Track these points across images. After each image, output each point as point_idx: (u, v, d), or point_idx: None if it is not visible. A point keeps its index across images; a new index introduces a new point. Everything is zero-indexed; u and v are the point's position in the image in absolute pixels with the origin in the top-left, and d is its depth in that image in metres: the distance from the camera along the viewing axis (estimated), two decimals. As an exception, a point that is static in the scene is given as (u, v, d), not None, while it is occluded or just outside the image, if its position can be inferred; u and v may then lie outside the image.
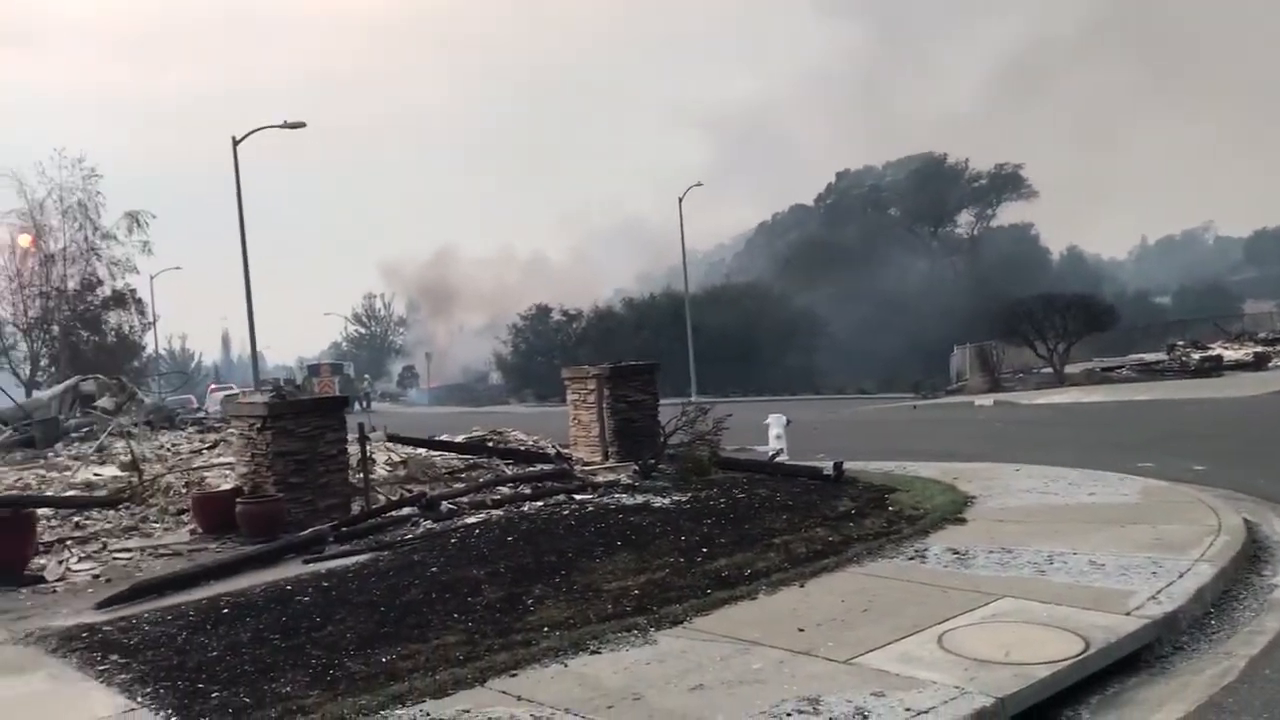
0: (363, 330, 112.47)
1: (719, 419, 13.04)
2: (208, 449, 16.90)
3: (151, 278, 52.05)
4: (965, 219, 76.12)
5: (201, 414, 30.57)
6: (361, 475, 11.29)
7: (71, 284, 44.63)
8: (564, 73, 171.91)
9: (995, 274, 55.86)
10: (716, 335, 52.15)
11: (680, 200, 50.50)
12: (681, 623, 6.98)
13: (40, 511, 10.46)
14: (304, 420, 10.76)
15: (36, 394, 26.46)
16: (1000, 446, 16.69)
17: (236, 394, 47.71)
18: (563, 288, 70.27)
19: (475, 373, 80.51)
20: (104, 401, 24.01)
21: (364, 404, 55.82)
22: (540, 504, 10.77)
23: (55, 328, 44.82)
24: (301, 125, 34.38)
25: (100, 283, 46.35)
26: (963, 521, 9.67)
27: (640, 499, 10.83)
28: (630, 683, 5.87)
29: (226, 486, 11.53)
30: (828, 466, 12.01)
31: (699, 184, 51.45)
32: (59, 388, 25.23)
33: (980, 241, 72.42)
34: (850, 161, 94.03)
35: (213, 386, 64.62)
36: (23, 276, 44.30)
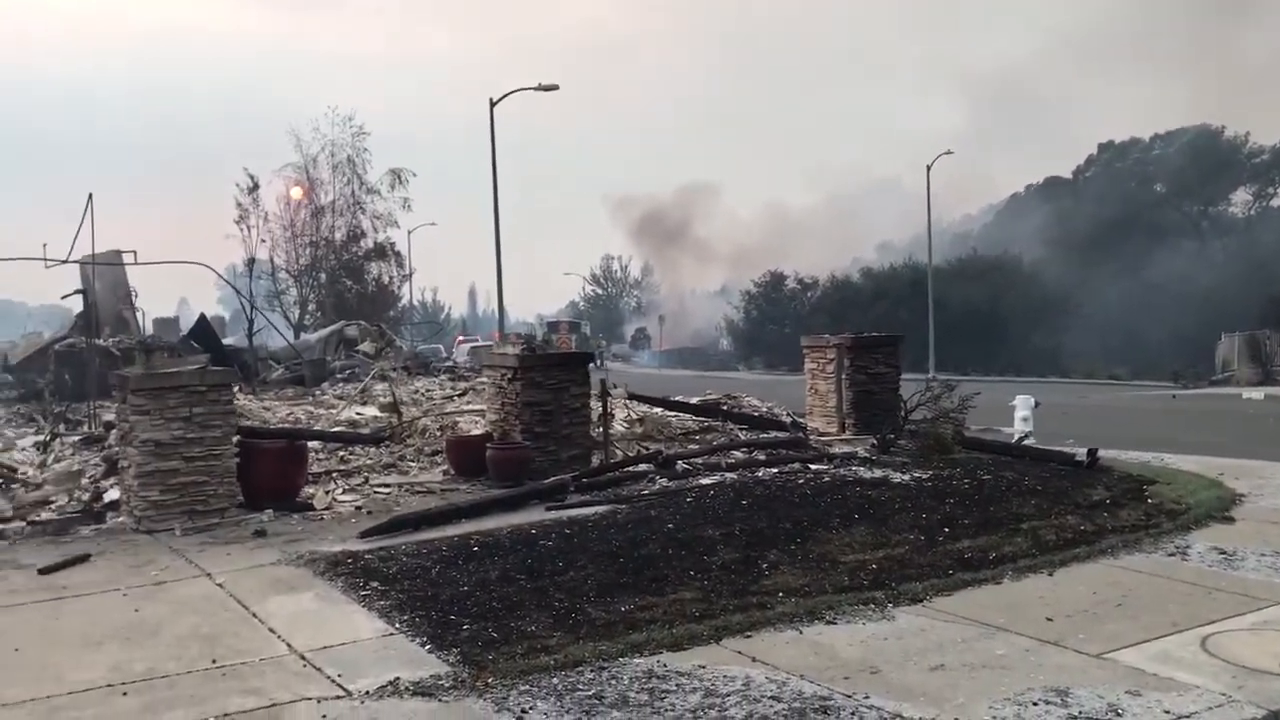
0: (599, 291, 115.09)
1: (965, 397, 12.60)
2: (458, 396, 17.74)
3: (409, 232, 54.98)
4: (1241, 198, 70.23)
5: (449, 363, 32.22)
6: (601, 429, 11.59)
7: (339, 235, 47.78)
8: (810, 36, 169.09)
9: (1274, 258, 51.28)
10: (959, 310, 50.37)
11: (928, 169, 48.90)
12: (921, 601, 6.83)
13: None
14: (551, 374, 11.15)
15: (305, 336, 28.51)
16: (1273, 444, 15.40)
17: (482, 345, 50.05)
18: (800, 254, 69.67)
19: (706, 337, 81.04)
20: (365, 346, 25.62)
21: (599, 363, 57.34)
22: (775, 470, 10.74)
23: (323, 275, 48.07)
24: (555, 88, 35.35)
25: (364, 235, 49.29)
26: (1230, 520, 9.00)
27: (879, 473, 10.62)
28: (867, 655, 5.80)
29: (477, 432, 12.09)
30: (1080, 452, 11.41)
31: (949, 152, 49.53)
32: (325, 331, 27.09)
33: (1257, 223, 66.61)
34: (1115, 133, 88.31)
35: (460, 338, 67.88)
36: (295, 226, 47.70)
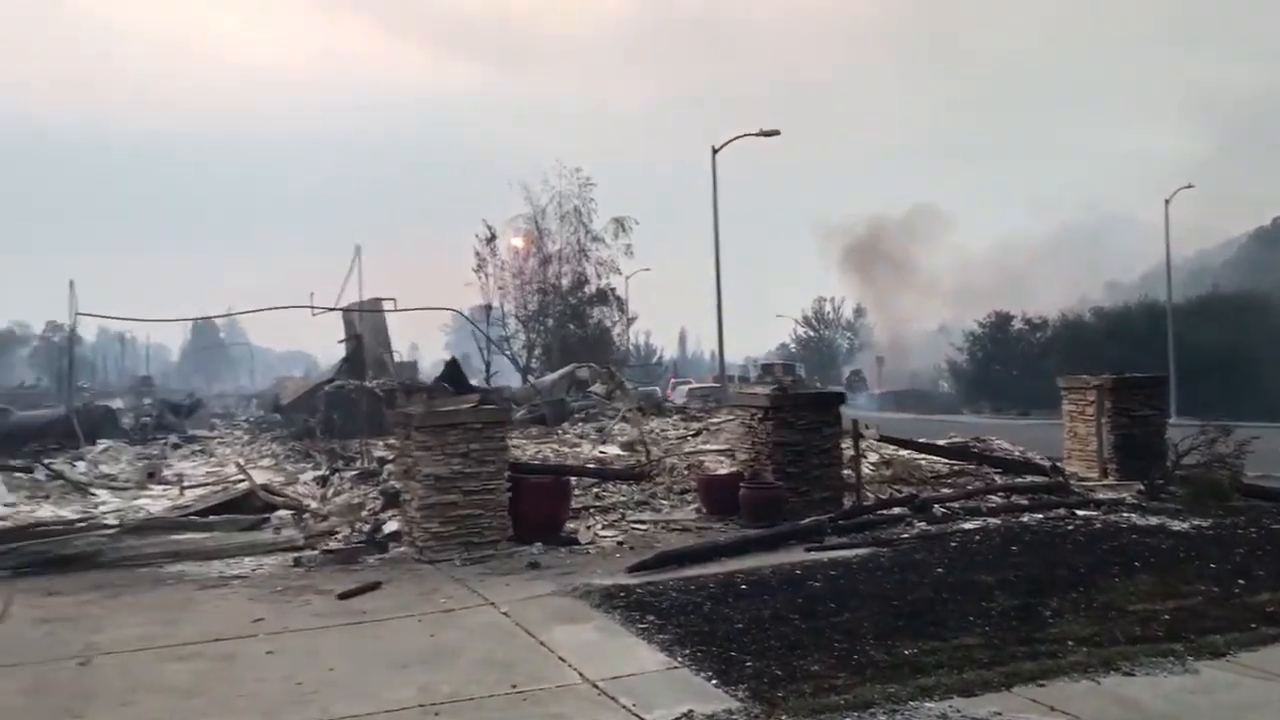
0: (812, 333, 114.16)
1: (1241, 441, 11.84)
2: (693, 435, 17.99)
3: (626, 278, 56.24)
4: None
5: (676, 403, 32.61)
6: (851, 471, 11.52)
7: (565, 281, 49.53)
8: (1027, 68, 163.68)
9: None
10: (1200, 351, 47.21)
11: (1167, 203, 46.39)
12: (1224, 655, 6.45)
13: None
14: (802, 414, 11.18)
15: (540, 379, 29.56)
16: None
17: (698, 387, 50.51)
18: (1025, 291, 67.01)
19: (924, 379, 78.89)
20: (597, 388, 26.28)
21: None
22: (1040, 516, 10.39)
23: (549, 320, 49.83)
24: (776, 133, 35.58)
25: (587, 281, 50.98)
26: None
27: (1153, 520, 10.10)
28: (1175, 710, 5.53)
29: (724, 471, 12.23)
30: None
31: (1189, 186, 46.87)
32: (558, 373, 27.97)
33: None
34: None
35: (674, 380, 68.65)
36: (524, 275, 49.70)
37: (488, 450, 9.83)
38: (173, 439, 21.11)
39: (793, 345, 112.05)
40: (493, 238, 44.69)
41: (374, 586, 8.68)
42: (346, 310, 18.82)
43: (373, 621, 7.76)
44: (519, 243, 48.45)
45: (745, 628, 7.19)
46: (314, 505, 11.70)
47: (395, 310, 18.27)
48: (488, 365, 25.61)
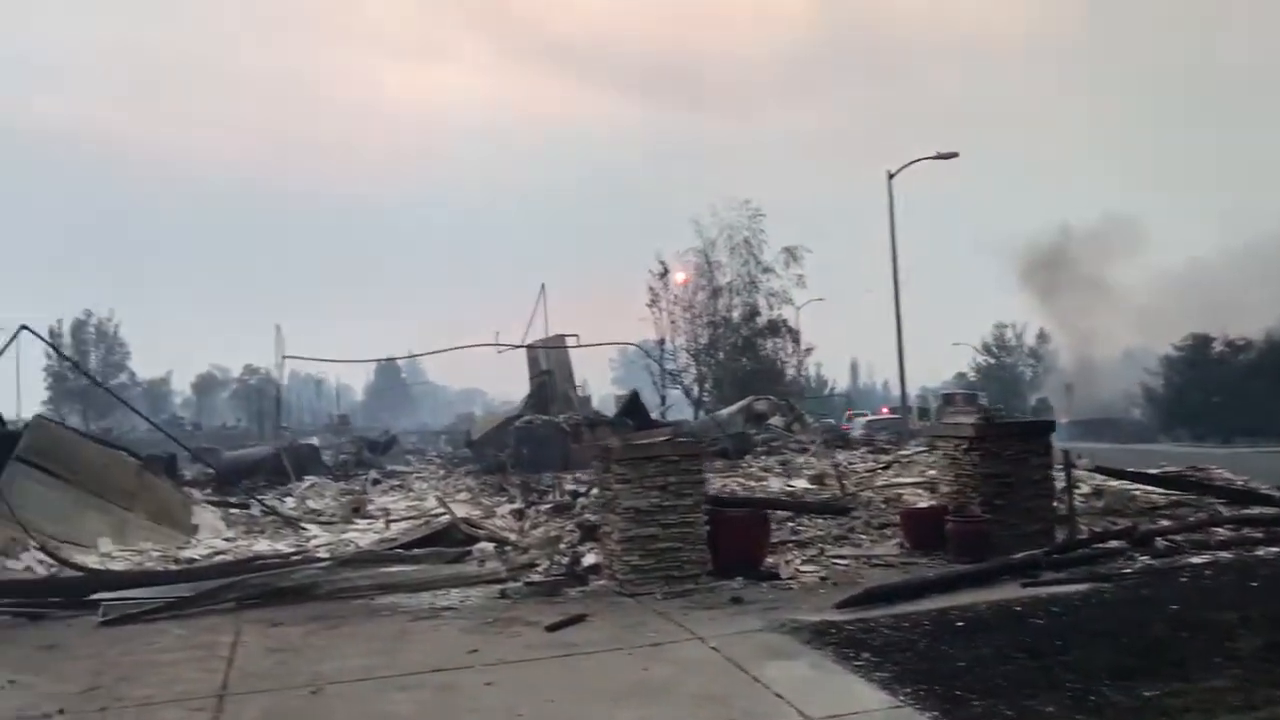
0: (991, 360, 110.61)
1: None
2: (882, 468, 17.58)
3: (797, 308, 55.70)
4: None
5: (858, 434, 32.06)
6: (1062, 503, 11.00)
7: (735, 314, 49.48)
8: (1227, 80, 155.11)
9: None
10: None
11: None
12: None
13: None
14: (1009, 443, 10.76)
15: (717, 412, 29.54)
16: None
17: (875, 419, 49.52)
18: (1221, 312, 63.24)
19: (1114, 407, 75.12)
20: (775, 420, 26.08)
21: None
22: (1278, 550, 9.66)
23: (720, 354, 49.80)
24: (954, 155, 34.81)
25: (759, 313, 50.75)
26: None
27: None
28: None
29: (923, 504, 11.87)
30: None
31: None
32: (735, 407, 27.85)
33: None
34: None
35: (850, 412, 67.49)
36: (694, 309, 49.89)
37: (685, 483, 9.81)
38: (373, 474, 21.99)
39: (971, 374, 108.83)
40: (665, 272, 44.99)
41: (580, 619, 8.73)
42: (530, 347, 19.20)
43: (583, 654, 7.80)
44: (680, 277, 48.63)
45: (967, 666, 6.90)
46: (513, 538, 11.91)
47: (578, 345, 18.55)
48: (663, 399, 25.74)
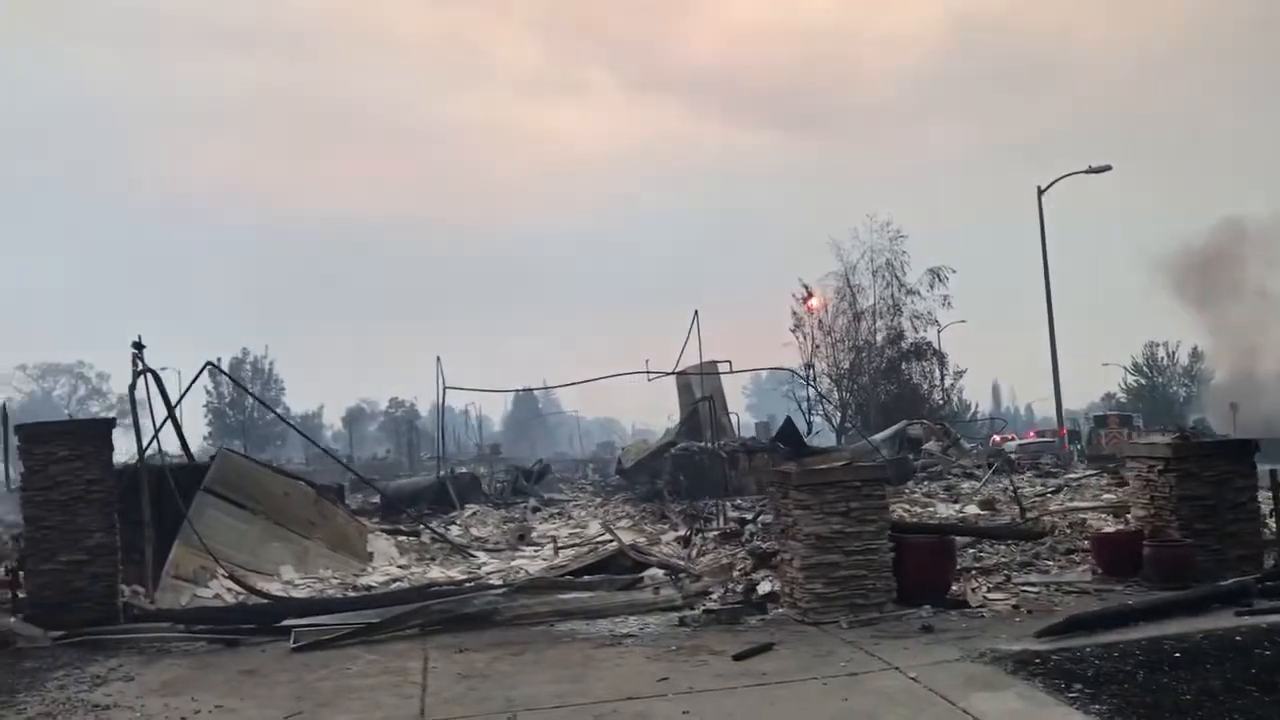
0: (1142, 381, 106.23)
1: None
2: (1052, 492, 16.95)
3: (939, 330, 54.29)
4: None
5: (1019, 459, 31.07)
6: (1270, 527, 10.35)
7: (879, 337, 48.70)
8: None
9: None
10: None
11: None
12: None
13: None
14: (1210, 464, 10.18)
15: (871, 437, 29.02)
16: None
17: (1027, 442, 47.91)
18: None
19: (1276, 425, 70.91)
20: (931, 445, 25.45)
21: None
22: None
23: (864, 378, 49.02)
24: (1107, 168, 33.65)
25: (903, 335, 49.82)
26: None
27: None
28: None
29: (1108, 529, 11.34)
30: None
31: None
32: (889, 431, 27.35)
33: None
34: None
35: (997, 437, 65.52)
36: (835, 333, 49.27)
37: (868, 509, 9.57)
38: (532, 503, 22.25)
39: (1121, 395, 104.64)
40: (808, 295, 44.59)
41: (766, 648, 8.56)
42: (682, 373, 19.19)
43: (777, 684, 7.63)
44: (816, 302, 48.02)
45: (1195, 700, 6.51)
46: (685, 565, 11.82)
47: (731, 371, 18.44)
48: (809, 425, 25.42)
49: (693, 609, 10.33)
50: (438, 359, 22.01)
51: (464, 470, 25.15)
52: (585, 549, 13.93)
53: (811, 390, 44.33)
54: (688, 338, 16.75)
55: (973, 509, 15.41)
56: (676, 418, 28.77)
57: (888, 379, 50.22)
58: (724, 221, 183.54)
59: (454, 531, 16.81)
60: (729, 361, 18.10)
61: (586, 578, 11.76)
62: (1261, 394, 75.12)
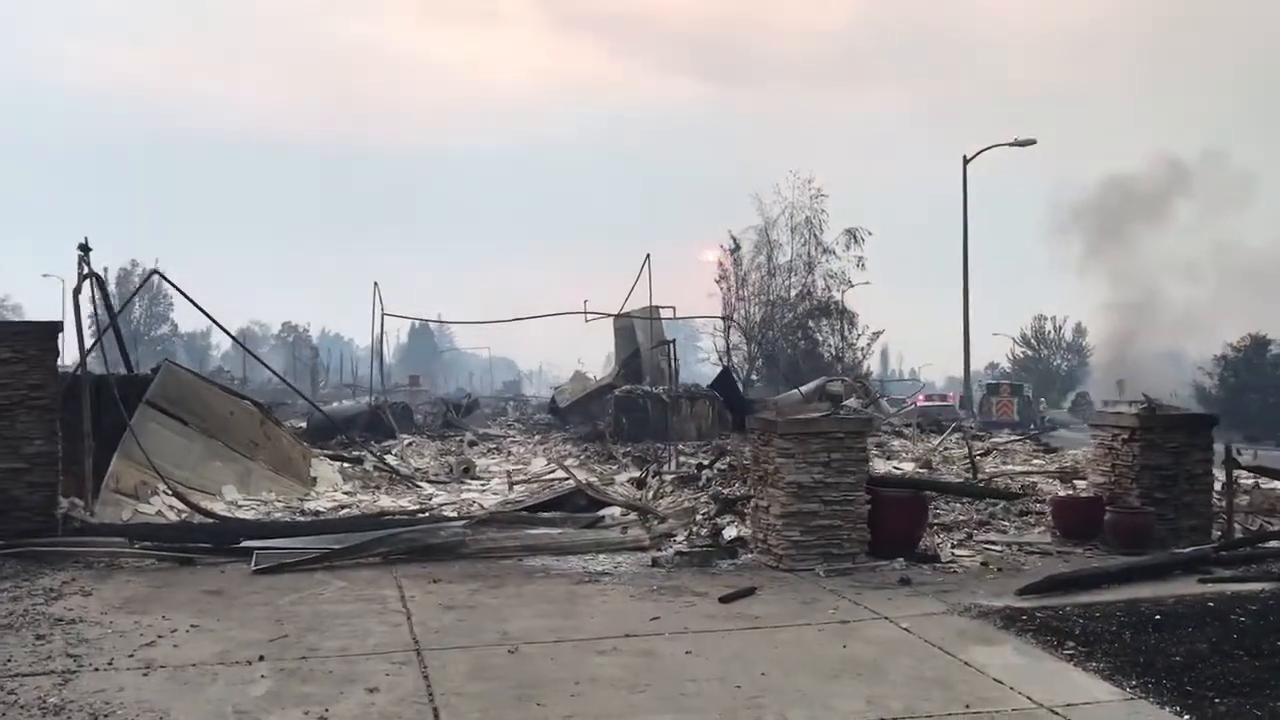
0: (1030, 353, 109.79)
1: None
2: (981, 455, 17.38)
3: (841, 291, 54.35)
4: None
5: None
6: (1221, 498, 10.79)
7: (793, 294, 49.14)
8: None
9: None
10: None
11: None
12: None
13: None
14: (1172, 435, 10.53)
15: (790, 392, 29.29)
16: None
17: (925, 405, 49.07)
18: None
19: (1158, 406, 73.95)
20: (851, 402, 25.82)
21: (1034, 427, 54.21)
22: None
23: (772, 332, 49.50)
24: (1031, 142, 34.34)
25: (811, 293, 50.38)
26: None
27: None
28: None
29: (1062, 493, 11.70)
30: None
31: None
32: (810, 386, 27.64)
33: None
34: None
35: (921, 397, 66.71)
36: (749, 286, 49.55)
37: (848, 460, 9.66)
38: (468, 436, 21.96)
39: (1008, 365, 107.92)
40: (736, 248, 44.75)
41: (749, 592, 8.61)
42: (617, 316, 19.11)
43: (772, 628, 7.67)
44: (712, 257, 48.20)
45: (1186, 661, 6.72)
46: (649, 506, 11.81)
47: (675, 318, 18.41)
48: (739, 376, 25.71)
49: (660, 550, 10.32)
50: (375, 284, 21.46)
51: (396, 400, 24.66)
52: (540, 486, 13.81)
53: (718, 343, 44.66)
54: (636, 280, 16.65)
55: (909, 466, 15.72)
56: (586, 361, 28.56)
57: (795, 335, 50.80)
58: (648, 166, 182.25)
59: (390, 461, 16.48)
60: (673, 307, 18.07)
61: (544, 514, 11.66)
62: (1142, 378, 78.26)
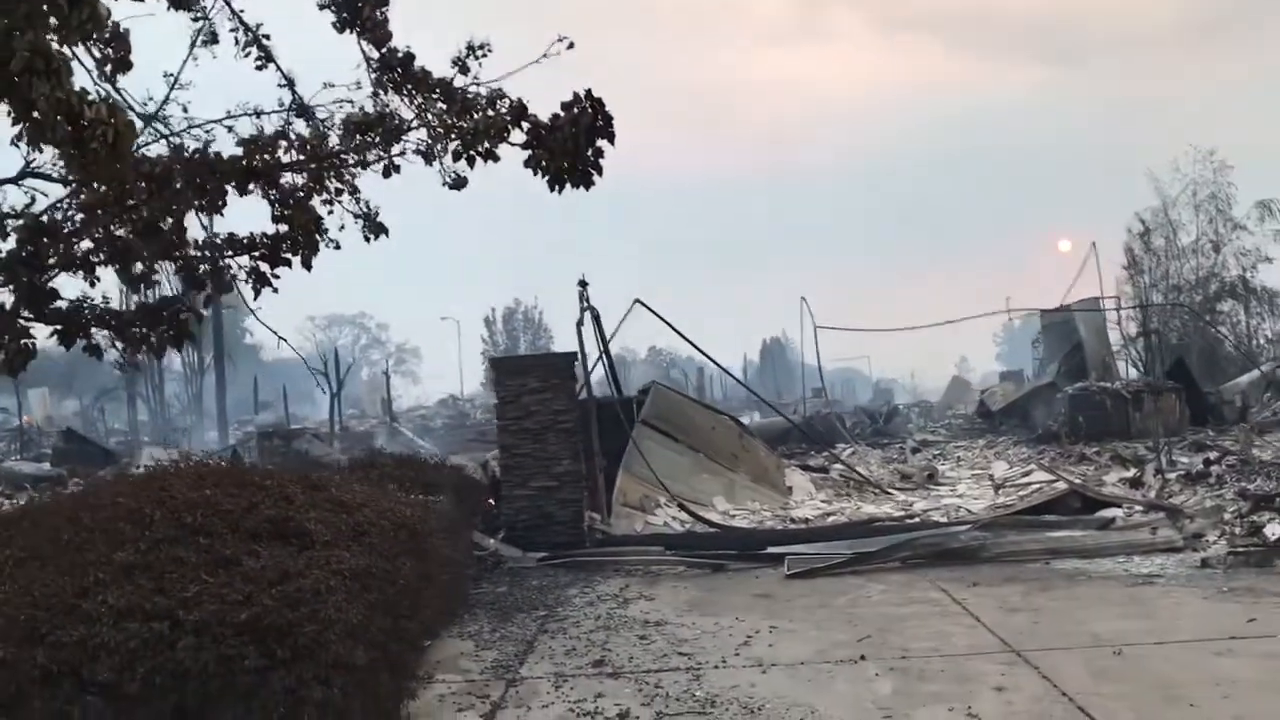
0: None
1: None
2: None
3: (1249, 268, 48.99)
4: None
5: None
6: None
7: (1194, 277, 45.02)
8: None
9: None
10: None
11: None
12: None
13: None
14: None
15: (1240, 379, 26.91)
16: None
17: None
18: None
19: None
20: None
21: None
22: None
23: (1179, 320, 45.54)
24: None
25: (1215, 275, 45.89)
26: None
27: None
28: None
29: None
30: None
31: None
32: (1253, 374, 25.29)
33: None
34: None
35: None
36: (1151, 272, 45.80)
37: None
38: (910, 443, 21.92)
39: None
40: (1146, 231, 41.77)
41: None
42: (1051, 311, 18.24)
43: None
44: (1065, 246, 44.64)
45: None
46: (1176, 506, 11.18)
47: (1119, 309, 17.38)
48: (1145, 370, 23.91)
49: (1196, 550, 9.72)
50: (803, 299, 21.99)
51: (827, 412, 25.03)
52: (1014, 489, 13.46)
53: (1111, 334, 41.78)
54: (1080, 270, 15.83)
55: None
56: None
57: (1205, 319, 46.46)
58: (1006, 162, 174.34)
59: (840, 470, 16.65)
60: (1117, 298, 17.02)
61: (1047, 517, 11.34)
62: None
